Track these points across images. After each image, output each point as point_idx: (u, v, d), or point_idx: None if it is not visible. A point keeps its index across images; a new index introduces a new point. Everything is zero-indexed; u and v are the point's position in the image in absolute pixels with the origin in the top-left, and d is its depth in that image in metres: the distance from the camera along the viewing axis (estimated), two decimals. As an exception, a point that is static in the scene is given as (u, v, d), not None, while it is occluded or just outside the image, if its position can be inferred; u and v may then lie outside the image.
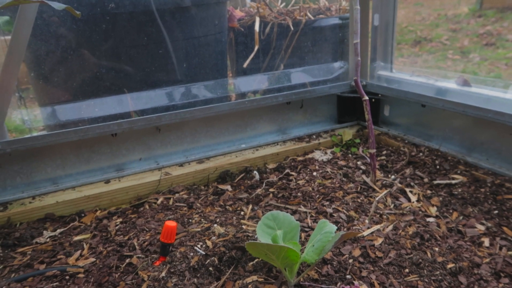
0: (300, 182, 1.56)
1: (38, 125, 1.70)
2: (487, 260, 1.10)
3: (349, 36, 2.07)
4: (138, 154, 1.70)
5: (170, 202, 1.49)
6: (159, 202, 1.50)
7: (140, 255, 1.17)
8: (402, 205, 1.39)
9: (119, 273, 1.10)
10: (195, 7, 1.80)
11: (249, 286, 1.01)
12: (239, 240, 1.18)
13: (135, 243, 1.22)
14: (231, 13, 2.23)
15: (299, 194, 1.47)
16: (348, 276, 1.05)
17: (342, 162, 1.73)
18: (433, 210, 1.35)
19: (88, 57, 1.67)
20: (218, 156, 1.77)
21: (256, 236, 1.14)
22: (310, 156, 1.80)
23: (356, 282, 1.02)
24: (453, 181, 1.49)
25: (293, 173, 1.64)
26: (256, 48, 2.16)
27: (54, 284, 1.09)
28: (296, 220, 1.11)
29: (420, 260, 1.09)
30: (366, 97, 1.50)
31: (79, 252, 1.23)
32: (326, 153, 1.83)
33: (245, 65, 2.17)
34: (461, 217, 1.31)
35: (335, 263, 1.09)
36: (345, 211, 1.34)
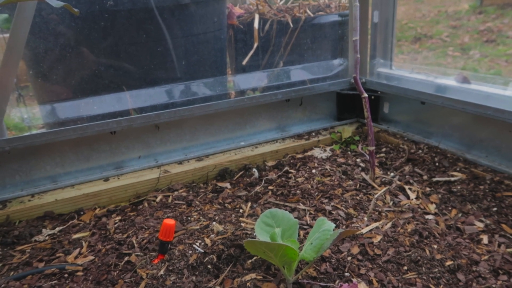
0: (299, 179, 1.56)
1: (37, 123, 1.69)
2: (486, 257, 1.10)
3: (349, 33, 2.06)
4: (137, 152, 1.70)
5: (169, 200, 1.49)
6: (158, 200, 1.50)
7: (138, 253, 1.17)
8: (401, 202, 1.39)
9: (117, 271, 1.11)
10: (194, 4, 1.80)
11: (248, 284, 1.01)
12: (238, 238, 1.18)
13: (134, 241, 1.22)
14: (231, 10, 2.23)
15: (298, 191, 1.47)
16: (346, 274, 1.05)
17: (341, 160, 1.73)
18: (432, 208, 1.35)
19: (87, 55, 1.66)
20: (217, 154, 1.77)
21: (254, 234, 1.14)
22: (309, 153, 1.80)
23: (354, 280, 1.02)
24: (452, 178, 1.49)
25: (292, 171, 1.64)
26: (255, 45, 2.16)
27: (53, 282, 1.09)
28: (295, 217, 1.11)
29: (419, 258, 1.09)
30: (366, 94, 1.50)
31: (78, 250, 1.23)
32: (325, 150, 1.83)
33: (244, 62, 2.16)
34: (460, 215, 1.31)
35: (333, 260, 1.09)
36: (344, 209, 1.34)
